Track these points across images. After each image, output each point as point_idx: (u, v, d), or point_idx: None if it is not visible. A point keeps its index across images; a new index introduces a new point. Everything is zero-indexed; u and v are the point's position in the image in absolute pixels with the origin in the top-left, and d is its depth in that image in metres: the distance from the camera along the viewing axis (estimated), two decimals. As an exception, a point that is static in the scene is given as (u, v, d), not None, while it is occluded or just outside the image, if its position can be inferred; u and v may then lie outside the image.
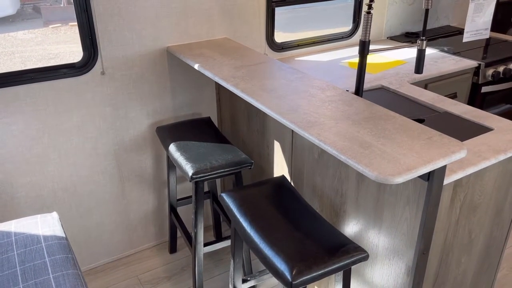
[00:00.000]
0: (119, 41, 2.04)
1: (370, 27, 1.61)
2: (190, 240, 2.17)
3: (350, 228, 1.71)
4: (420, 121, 1.83)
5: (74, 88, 2.02)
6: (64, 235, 1.55)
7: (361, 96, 1.85)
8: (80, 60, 2.01)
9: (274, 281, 2.32)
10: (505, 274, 2.35)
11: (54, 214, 1.66)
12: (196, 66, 1.92)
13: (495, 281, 1.91)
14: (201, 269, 2.09)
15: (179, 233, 2.63)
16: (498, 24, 3.54)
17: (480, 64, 2.54)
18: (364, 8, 2.76)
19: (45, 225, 1.58)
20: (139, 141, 2.28)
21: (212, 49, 2.12)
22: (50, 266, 1.38)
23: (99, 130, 2.15)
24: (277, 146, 2.00)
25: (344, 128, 1.34)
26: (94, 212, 2.30)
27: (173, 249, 2.51)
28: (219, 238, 2.34)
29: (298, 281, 1.29)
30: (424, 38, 1.70)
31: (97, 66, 2.03)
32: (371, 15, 1.57)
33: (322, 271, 1.33)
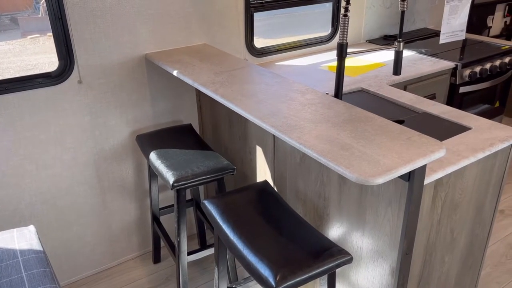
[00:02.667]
0: (95, 49, 2.01)
1: (347, 30, 1.62)
2: (174, 249, 2.14)
3: (334, 231, 1.70)
4: (400, 122, 1.84)
5: (51, 97, 1.98)
6: (41, 249, 1.51)
7: (341, 99, 1.86)
8: (56, 69, 1.98)
9: (259, 287, 2.30)
10: (488, 272, 2.37)
11: (31, 228, 1.61)
12: (175, 73, 1.90)
13: (479, 279, 1.93)
14: (185, 278, 2.06)
15: (162, 243, 2.59)
16: (473, 25, 3.61)
17: (457, 65, 2.58)
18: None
19: (22, 239, 1.54)
20: (119, 150, 2.24)
21: (191, 55, 2.10)
22: (27, 281, 1.34)
23: (78, 140, 2.11)
24: (259, 151, 1.98)
25: (324, 131, 1.34)
26: (75, 224, 2.25)
27: (157, 259, 2.47)
28: (203, 246, 2.31)
29: (282, 286, 1.28)
30: (401, 39, 1.71)
31: (74, 75, 2.00)
32: (348, 18, 1.58)
33: (306, 275, 1.32)
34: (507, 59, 2.84)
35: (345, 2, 1.54)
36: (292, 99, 1.59)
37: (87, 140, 2.13)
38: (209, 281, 2.35)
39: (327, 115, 1.45)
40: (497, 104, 3.06)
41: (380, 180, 1.09)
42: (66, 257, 2.28)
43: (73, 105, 2.04)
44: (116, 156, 2.24)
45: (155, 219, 2.33)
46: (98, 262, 2.39)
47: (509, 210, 2.85)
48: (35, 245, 1.52)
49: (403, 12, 1.65)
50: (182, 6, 2.17)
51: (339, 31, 1.63)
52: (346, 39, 1.64)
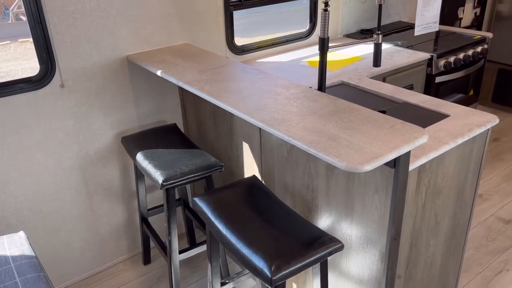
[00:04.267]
0: (77, 52, 2.00)
1: (328, 24, 1.66)
2: (165, 249, 2.15)
3: (323, 222, 1.74)
4: (382, 112, 1.89)
5: (33, 103, 1.96)
6: (33, 254, 1.50)
7: (324, 92, 1.90)
8: (37, 74, 1.96)
9: (251, 282, 2.33)
10: (471, 254, 2.46)
11: (21, 234, 1.60)
12: (158, 73, 1.91)
13: (463, 261, 2.00)
14: (178, 277, 2.07)
15: (152, 244, 2.59)
16: (445, 17, 3.71)
17: (432, 56, 2.66)
18: (320, 7, 2.83)
19: (13, 245, 1.53)
20: (105, 153, 2.23)
21: (174, 55, 2.11)
22: (22, 287, 1.33)
23: (62, 144, 2.09)
24: (246, 147, 2.01)
25: (311, 123, 1.38)
26: (62, 230, 2.23)
27: (147, 260, 2.47)
28: (193, 244, 2.32)
29: (277, 276, 1.31)
30: (379, 32, 1.76)
31: (56, 79, 1.98)
32: (328, 13, 1.62)
33: (300, 264, 1.35)
34: (479, 49, 2.94)
35: (324, -3, 1.58)
36: (278, 94, 1.62)
37: (72, 144, 2.12)
38: (200, 279, 2.37)
39: (313, 107, 1.49)
40: (471, 93, 3.16)
41: (369, 167, 1.13)
42: (55, 264, 2.26)
43: (56, 110, 2.03)
44: (101, 159, 2.23)
45: (144, 220, 2.33)
46: (88, 266, 2.37)
47: (487, 194, 2.95)
48: (27, 250, 1.51)
49: (380, 6, 1.70)
50: (163, 7, 2.17)
51: (320, 25, 1.67)
52: (327, 33, 1.68)
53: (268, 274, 1.31)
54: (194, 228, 2.65)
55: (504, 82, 4.05)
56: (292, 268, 1.34)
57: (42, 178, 2.09)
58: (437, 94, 2.79)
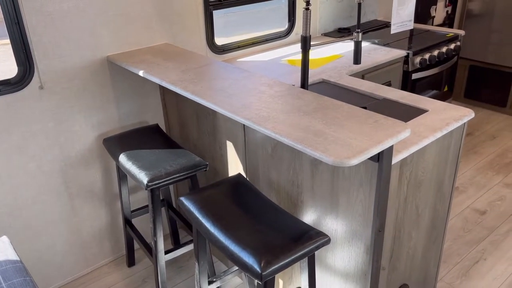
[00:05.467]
0: (56, 53, 1.97)
1: (309, 22, 1.69)
2: (150, 250, 2.14)
3: (309, 217, 1.77)
4: (363, 108, 1.93)
5: (11, 105, 1.92)
6: (18, 259, 1.48)
7: (307, 89, 1.93)
8: (15, 76, 1.92)
9: (237, 280, 2.34)
10: (449, 245, 2.54)
11: (4, 238, 1.57)
12: (140, 73, 1.90)
13: (442, 252, 2.07)
14: (164, 277, 2.06)
15: (136, 245, 2.57)
16: (418, 16, 3.81)
17: (408, 53, 2.73)
18: (299, 6, 2.86)
19: (-4, 250, 1.50)
20: (86, 155, 2.21)
21: (155, 55, 2.10)
22: (8, 292, 1.31)
23: (42, 147, 2.06)
24: (229, 146, 2.02)
25: (297, 120, 1.40)
26: (44, 234, 2.19)
27: (131, 262, 2.45)
28: (178, 245, 2.32)
29: (267, 271, 1.33)
30: (359, 30, 1.80)
31: (35, 80, 1.95)
32: (310, 11, 1.65)
33: (289, 259, 1.37)
34: (452, 46, 3.03)
35: (306, -4, 1.61)
36: (262, 92, 1.64)
37: (52, 147, 2.08)
38: (186, 279, 2.36)
39: (297, 105, 1.51)
40: (445, 89, 3.25)
41: (355, 161, 1.16)
42: (37, 268, 2.22)
43: (35, 112, 1.99)
44: (83, 162, 2.21)
45: (127, 222, 2.31)
46: (71, 270, 2.34)
47: (463, 187, 3.05)
48: (11, 255, 1.48)
49: (359, 4, 1.74)
50: (142, 7, 2.16)
51: (300, 25, 1.69)
52: (309, 31, 1.71)
53: (258, 269, 1.33)
54: (178, 229, 2.64)
55: (476, 78, 4.19)
56: (282, 263, 1.36)
57: (23, 182, 2.05)
58: (413, 90, 2.86)
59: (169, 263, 2.47)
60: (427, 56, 2.83)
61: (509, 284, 2.25)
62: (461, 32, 3.14)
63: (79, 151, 2.18)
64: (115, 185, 2.38)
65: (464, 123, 1.79)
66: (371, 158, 1.37)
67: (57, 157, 2.11)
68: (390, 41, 2.95)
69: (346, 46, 2.87)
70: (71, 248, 2.30)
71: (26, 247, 2.15)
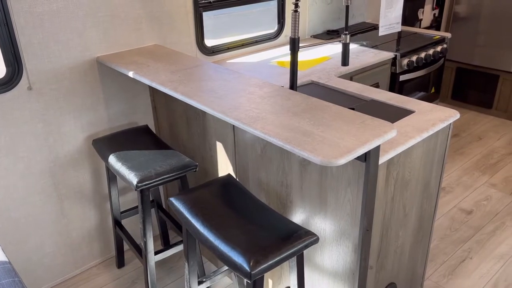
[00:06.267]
0: (44, 54, 1.96)
1: (298, 25, 1.71)
2: (140, 251, 2.14)
3: (298, 217, 1.79)
4: (351, 109, 1.96)
5: None
6: (6, 259, 1.47)
7: (296, 91, 1.95)
8: (4, 77, 1.91)
9: (227, 280, 2.35)
10: (436, 244, 2.58)
11: (-7, 240, 1.56)
12: (130, 74, 1.90)
13: (429, 251, 2.10)
14: (153, 278, 2.07)
15: (126, 246, 2.57)
16: (406, 18, 3.87)
17: (396, 55, 2.77)
18: (289, 8, 2.89)
19: (-16, 252, 1.49)
20: (75, 156, 2.20)
21: (144, 56, 2.11)
22: (-3, 293, 1.31)
23: (31, 148, 2.05)
24: (219, 147, 2.03)
25: (286, 120, 1.42)
26: (33, 235, 2.18)
27: (120, 263, 2.44)
28: (167, 246, 2.32)
29: (256, 270, 1.34)
30: (347, 32, 1.83)
31: (23, 81, 1.94)
32: (299, 14, 1.67)
33: (278, 258, 1.39)
34: (439, 48, 3.08)
35: (294, -1, 1.63)
36: (251, 93, 1.65)
37: (41, 148, 2.08)
38: (176, 279, 2.37)
39: (286, 105, 1.53)
40: (432, 90, 3.30)
41: (343, 161, 1.19)
42: (26, 270, 2.21)
43: (24, 113, 1.98)
44: (72, 163, 2.20)
45: (117, 223, 2.31)
46: (60, 271, 2.33)
47: (449, 187, 3.09)
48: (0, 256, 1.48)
49: (347, 7, 1.76)
50: (132, 8, 2.16)
51: (288, 28, 1.71)
52: (298, 33, 1.73)
53: (247, 268, 1.34)
54: (168, 230, 2.65)
55: (462, 80, 4.25)
56: (271, 262, 1.37)
57: (11, 183, 2.04)
58: (401, 92, 2.90)
59: (158, 264, 2.47)
60: (414, 58, 2.87)
61: (495, 282, 2.30)
62: (448, 35, 3.19)
63: (68, 152, 2.17)
64: (104, 186, 2.37)
65: (450, 123, 1.82)
66: (359, 158, 1.40)
67: (46, 158, 2.11)
68: (378, 43, 2.98)
69: (334, 48, 2.90)
70: (60, 249, 2.29)
71: (15, 249, 2.14)
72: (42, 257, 2.24)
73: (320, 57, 2.73)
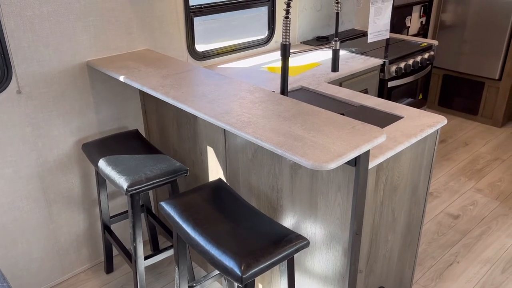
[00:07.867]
0: (34, 57, 1.95)
1: (289, 31, 1.73)
2: (129, 256, 2.12)
3: (288, 221, 1.80)
4: (341, 115, 1.98)
5: (-12, 109, 1.90)
6: (-5, 265, 1.46)
7: (287, 96, 1.96)
8: (-7, 80, 1.90)
9: (217, 285, 2.35)
10: (424, 248, 2.61)
11: (-20, 244, 1.54)
12: (121, 78, 1.90)
13: (417, 255, 2.12)
14: (143, 283, 2.05)
15: (115, 252, 2.55)
16: (394, 26, 3.92)
17: (384, 62, 2.80)
18: (279, 14, 2.91)
19: (-28, 256, 1.47)
20: (65, 160, 2.19)
21: (135, 61, 2.11)
22: (-15, 298, 1.29)
23: (19, 152, 2.03)
24: (210, 151, 2.04)
25: (277, 125, 1.43)
26: (20, 241, 2.15)
27: (109, 268, 2.42)
28: (157, 251, 2.31)
29: (247, 274, 1.35)
30: (337, 39, 1.85)
31: (12, 85, 1.93)
32: (289, 20, 1.69)
33: (269, 262, 1.40)
34: (426, 55, 3.13)
35: (286, 5, 1.65)
36: (243, 97, 1.66)
37: (30, 152, 2.06)
38: (165, 285, 2.36)
39: (278, 110, 1.54)
40: (420, 97, 3.35)
41: (333, 165, 1.20)
42: (12, 276, 2.18)
43: (13, 117, 1.97)
44: (61, 167, 2.18)
45: (106, 228, 2.29)
46: (48, 277, 2.30)
47: (437, 192, 3.13)
48: (-13, 261, 1.46)
49: (337, 14, 1.79)
50: (123, 13, 2.17)
51: (279, 33, 1.73)
52: (289, 39, 1.75)
53: (238, 272, 1.35)
54: (158, 235, 2.63)
55: (449, 87, 4.32)
56: (262, 266, 1.38)
57: (-2, 188, 2.02)
58: (389, 98, 2.94)
59: (148, 268, 2.46)
60: (402, 65, 2.91)
61: (481, 285, 2.33)
62: (435, 42, 3.24)
63: (57, 156, 2.15)
64: (93, 190, 2.36)
65: (438, 129, 1.85)
66: (349, 163, 1.41)
67: (34, 163, 2.09)
68: (367, 50, 3.02)
69: (324, 54, 2.93)
70: (47, 255, 2.27)
71: (1, 254, 2.11)
72: (29, 262, 2.21)
73: (310, 63, 2.76)
